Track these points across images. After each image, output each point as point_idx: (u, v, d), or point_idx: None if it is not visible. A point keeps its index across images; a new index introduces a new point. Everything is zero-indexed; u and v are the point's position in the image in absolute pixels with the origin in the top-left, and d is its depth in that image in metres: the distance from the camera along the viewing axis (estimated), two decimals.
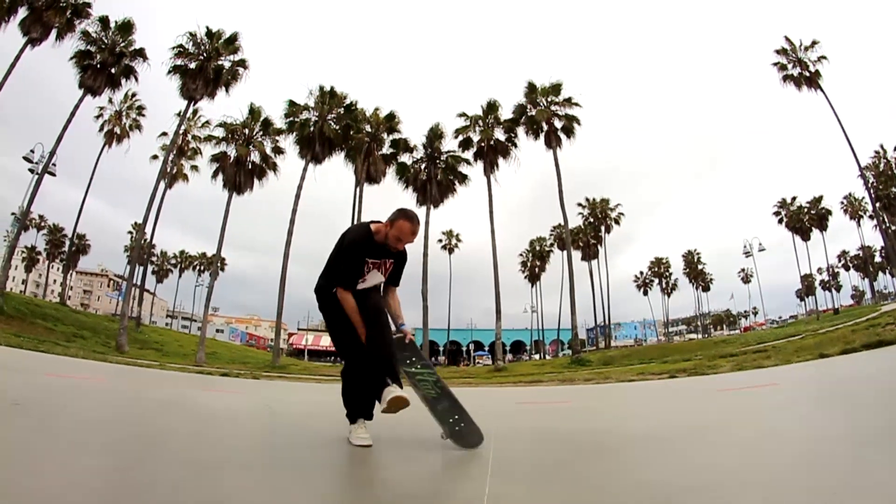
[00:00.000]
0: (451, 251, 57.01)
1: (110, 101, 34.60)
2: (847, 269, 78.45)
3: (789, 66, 32.67)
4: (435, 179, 32.44)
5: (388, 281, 3.34)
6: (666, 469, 2.53)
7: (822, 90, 31.73)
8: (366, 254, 3.14)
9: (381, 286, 3.32)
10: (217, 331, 60.99)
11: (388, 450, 3.17)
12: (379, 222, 3.20)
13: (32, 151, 25.54)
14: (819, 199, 53.66)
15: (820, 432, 3.21)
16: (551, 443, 3.59)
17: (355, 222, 29.40)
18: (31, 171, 25.68)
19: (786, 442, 2.99)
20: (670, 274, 71.95)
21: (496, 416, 4.09)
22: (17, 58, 24.49)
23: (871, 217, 51.95)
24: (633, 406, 6.43)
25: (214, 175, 30.21)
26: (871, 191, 40.73)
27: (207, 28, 27.70)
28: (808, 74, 32.07)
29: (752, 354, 14.16)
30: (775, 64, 32.98)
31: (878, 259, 64.95)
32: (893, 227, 47.87)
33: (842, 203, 56.39)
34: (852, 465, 2.25)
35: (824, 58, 31.99)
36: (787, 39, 32.76)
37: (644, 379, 11.24)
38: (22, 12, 24.41)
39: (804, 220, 53.71)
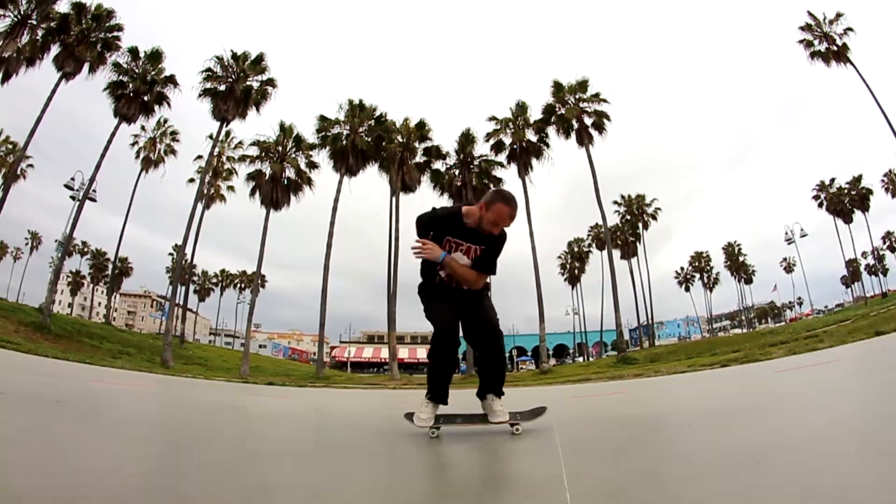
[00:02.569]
0: None
1: (143, 128, 35.66)
2: (893, 250, 74.48)
3: (815, 42, 31.38)
4: (469, 184, 32.13)
5: (482, 269, 3.15)
6: (746, 434, 2.42)
7: (851, 63, 30.43)
8: (448, 231, 3.03)
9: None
10: (260, 346, 61.73)
11: (451, 438, 3.10)
12: (471, 205, 3.06)
13: (73, 179, 26.60)
14: (859, 179, 51.41)
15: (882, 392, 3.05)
16: (618, 425, 3.44)
17: (393, 231, 29.91)
18: (73, 198, 26.67)
19: (864, 403, 2.84)
20: (711, 268, 70.24)
21: (554, 408, 3.95)
22: (53, 92, 25.36)
23: None
24: (691, 391, 6.19)
25: (252, 193, 30.61)
26: None
27: (233, 51, 28.24)
28: (835, 49, 30.73)
29: (804, 340, 13.64)
30: (801, 41, 31.75)
31: None
32: None
33: (882, 181, 53.87)
34: None
35: (851, 30, 30.68)
36: (811, 14, 31.54)
37: (695, 370, 10.92)
38: (55, 49, 25.33)
39: (845, 201, 51.51)
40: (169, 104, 29.16)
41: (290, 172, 31.03)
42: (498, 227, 2.98)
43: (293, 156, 31.28)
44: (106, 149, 27.36)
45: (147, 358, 23.47)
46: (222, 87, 28.00)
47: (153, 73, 28.32)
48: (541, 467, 2.24)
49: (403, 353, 56.22)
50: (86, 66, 26.21)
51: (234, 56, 28.19)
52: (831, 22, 31.18)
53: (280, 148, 30.90)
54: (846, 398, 3.13)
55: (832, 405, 2.94)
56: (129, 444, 2.59)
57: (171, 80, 28.70)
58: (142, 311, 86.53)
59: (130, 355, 22.55)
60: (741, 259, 70.93)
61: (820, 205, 52.29)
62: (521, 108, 32.23)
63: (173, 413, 4.87)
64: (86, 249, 64.93)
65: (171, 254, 59.07)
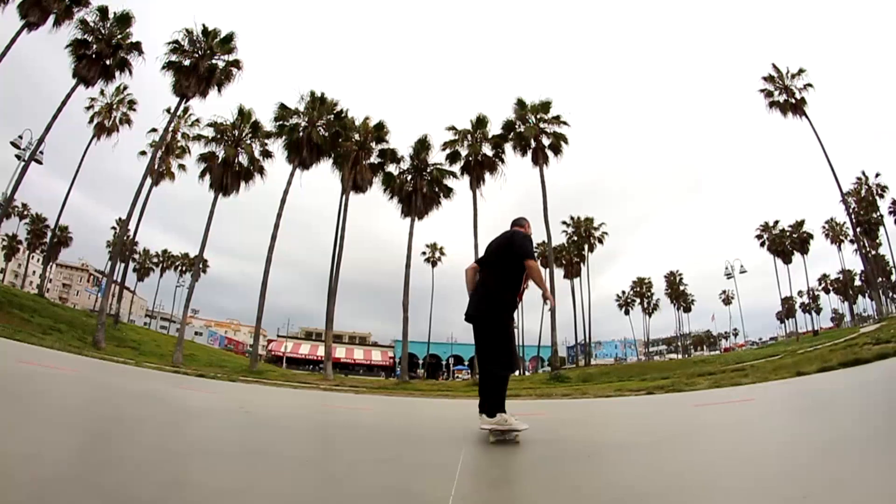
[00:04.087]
0: (434, 264, 56.50)
1: (102, 92, 34.22)
2: (827, 292, 79.54)
3: (776, 93, 33.10)
4: (421, 191, 32.13)
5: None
6: (641, 473, 2.53)
7: (807, 117, 32.17)
8: None
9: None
10: (196, 333, 59.67)
11: (362, 449, 3.16)
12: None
13: (21, 137, 25.13)
14: (801, 223, 54.40)
15: (788, 439, 3.20)
16: (525, 450, 3.59)
17: (340, 229, 29.59)
18: (18, 157, 25.22)
19: (766, 450, 2.99)
20: (652, 294, 72.27)
21: (471, 424, 4.08)
22: (13, 41, 24.06)
23: (851, 241, 52.84)
24: (608, 419, 6.46)
25: (202, 175, 29.81)
26: (852, 216, 41.50)
27: (204, 26, 27.39)
28: (793, 101, 32.48)
29: (730, 373, 14.20)
30: (762, 90, 33.41)
31: (857, 283, 66.07)
32: (873, 252, 48.87)
33: (823, 227, 57.00)
34: (816, 468, 2.25)
35: (810, 85, 32.45)
36: (775, 67, 33.27)
37: (621, 395, 11.25)
38: None
39: (786, 243, 54.42)
40: (131, 71, 28.13)
41: (243, 158, 30.37)
42: None
43: (248, 142, 30.66)
44: (59, 109, 26.29)
45: (78, 336, 22.42)
46: (187, 63, 27.14)
47: (119, 36, 27.26)
48: (434, 486, 2.33)
49: (340, 352, 55.60)
50: (51, 18, 25.13)
51: (205, 31, 27.39)
52: (793, 76, 32.87)
53: (236, 132, 30.25)
54: (750, 443, 3.27)
55: (734, 449, 3.08)
56: (46, 432, 2.57)
57: (137, 46, 27.66)
58: (77, 285, 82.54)
59: (61, 332, 21.48)
60: (682, 288, 73.53)
61: (762, 244, 54.95)
62: (481, 122, 32.68)
63: (94, 402, 4.76)
64: (25, 213, 61.18)
65: (113, 227, 56.74)
